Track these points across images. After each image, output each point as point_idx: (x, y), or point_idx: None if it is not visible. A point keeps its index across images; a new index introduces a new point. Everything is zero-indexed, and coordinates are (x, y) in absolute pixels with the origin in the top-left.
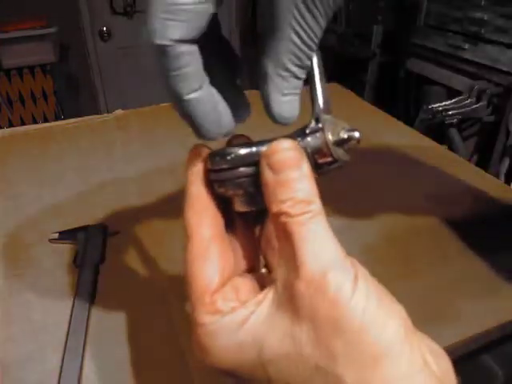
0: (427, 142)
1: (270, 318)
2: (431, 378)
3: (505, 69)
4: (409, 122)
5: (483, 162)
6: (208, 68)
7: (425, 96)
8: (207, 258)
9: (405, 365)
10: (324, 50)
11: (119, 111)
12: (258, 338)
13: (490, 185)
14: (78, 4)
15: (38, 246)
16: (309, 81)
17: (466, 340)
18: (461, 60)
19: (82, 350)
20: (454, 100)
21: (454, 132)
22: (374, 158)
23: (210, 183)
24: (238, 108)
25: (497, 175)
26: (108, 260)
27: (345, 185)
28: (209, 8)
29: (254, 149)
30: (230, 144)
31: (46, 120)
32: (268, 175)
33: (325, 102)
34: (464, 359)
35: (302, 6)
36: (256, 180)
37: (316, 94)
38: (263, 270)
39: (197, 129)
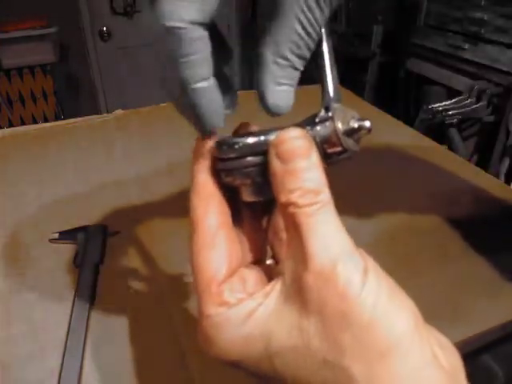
0: (427, 142)
1: (278, 311)
2: (440, 371)
3: (505, 69)
4: (409, 122)
5: (483, 162)
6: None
7: (425, 96)
8: (214, 246)
9: (414, 359)
10: None
11: (119, 111)
12: (265, 331)
13: (490, 185)
14: (78, 4)
15: (38, 246)
16: (319, 69)
17: (466, 340)
18: (461, 60)
19: (81, 350)
20: (453, 100)
21: (453, 132)
22: (374, 158)
23: (217, 172)
24: (229, 98)
25: (497, 175)
26: (108, 260)
27: (344, 185)
28: None
29: (262, 137)
30: (237, 132)
31: (46, 120)
32: (276, 164)
33: (335, 91)
34: (464, 359)
35: None
36: (264, 169)
37: (326, 83)
38: (269, 262)
39: (198, 119)
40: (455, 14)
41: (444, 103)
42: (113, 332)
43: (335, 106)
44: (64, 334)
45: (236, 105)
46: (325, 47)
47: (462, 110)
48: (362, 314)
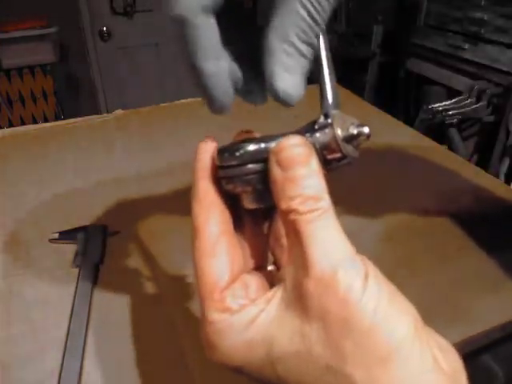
0: (427, 142)
1: (280, 317)
2: (440, 375)
3: (505, 69)
4: (409, 121)
5: (483, 162)
6: (230, 40)
7: (425, 96)
8: (215, 254)
9: (415, 364)
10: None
11: (119, 111)
12: (268, 337)
13: (490, 185)
14: (78, 4)
15: (38, 246)
16: (318, 75)
17: (466, 340)
18: (461, 60)
19: (81, 350)
20: (453, 100)
21: (454, 132)
22: (374, 159)
23: (219, 180)
24: (255, 84)
25: (497, 175)
26: (108, 260)
27: (344, 185)
28: None
29: (262, 145)
30: (237, 139)
31: (46, 120)
32: (276, 172)
33: (334, 98)
34: (464, 359)
35: None
36: (265, 177)
37: (325, 89)
38: (270, 268)
39: (209, 100)
40: (455, 13)
41: (444, 103)
42: (113, 332)
43: (334, 112)
44: (64, 334)
45: (265, 96)
46: (323, 53)
47: (462, 109)
48: (363, 319)
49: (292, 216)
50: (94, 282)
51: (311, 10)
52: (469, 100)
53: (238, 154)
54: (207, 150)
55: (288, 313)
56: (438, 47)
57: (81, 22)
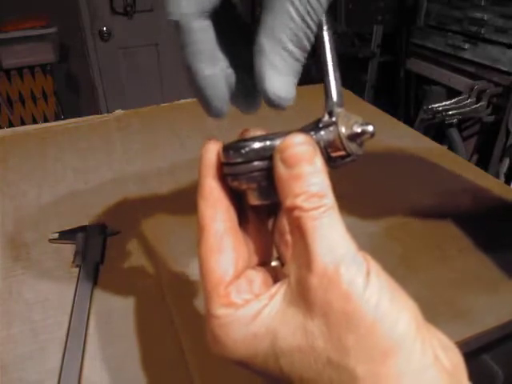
0: (427, 142)
1: (283, 312)
2: (442, 372)
3: (505, 69)
4: (409, 122)
5: (483, 162)
6: (227, 46)
7: (425, 96)
8: (221, 250)
9: (416, 359)
10: None
11: (119, 111)
12: (271, 331)
13: (490, 185)
14: (78, 4)
15: (38, 246)
16: (322, 74)
17: (466, 340)
18: (461, 60)
19: (81, 350)
20: (453, 100)
21: (454, 132)
22: (374, 158)
23: (224, 177)
24: (253, 91)
25: (497, 175)
26: (108, 260)
27: (344, 185)
28: None
29: (267, 142)
30: (243, 137)
31: (46, 120)
32: (281, 169)
33: (338, 96)
34: (464, 359)
35: None
36: (270, 174)
37: (329, 87)
38: (274, 263)
39: (204, 103)
40: (455, 13)
41: (444, 103)
42: (113, 332)
43: (338, 110)
44: (64, 334)
45: (260, 103)
46: (327, 50)
47: (462, 109)
48: (365, 314)
49: (296, 213)
50: (94, 282)
51: (301, 10)
52: (469, 100)
53: (243, 151)
54: (212, 148)
55: (291, 308)
56: (438, 47)
57: (81, 21)
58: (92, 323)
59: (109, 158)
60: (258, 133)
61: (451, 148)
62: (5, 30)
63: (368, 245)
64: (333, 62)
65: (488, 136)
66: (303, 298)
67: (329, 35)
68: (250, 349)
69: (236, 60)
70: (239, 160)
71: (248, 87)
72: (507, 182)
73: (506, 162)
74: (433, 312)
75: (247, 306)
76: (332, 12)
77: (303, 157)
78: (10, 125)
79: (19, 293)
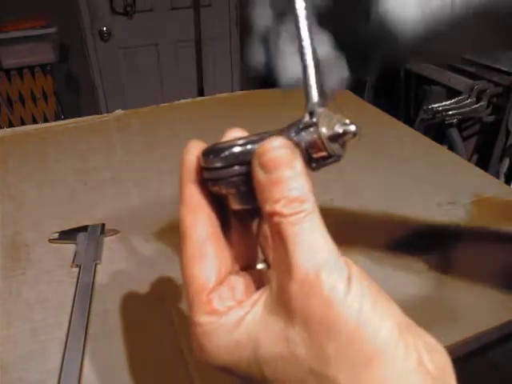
0: (427, 142)
1: (265, 319)
2: (426, 377)
3: (505, 69)
4: (409, 122)
5: (483, 162)
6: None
7: (425, 96)
8: (203, 257)
9: (399, 365)
10: None
11: (119, 111)
12: (253, 339)
13: (490, 185)
14: (78, 4)
15: (37, 246)
16: (302, 72)
17: (466, 340)
18: (461, 60)
19: (82, 350)
20: (454, 100)
21: (453, 132)
22: (374, 158)
23: (204, 181)
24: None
25: (497, 175)
26: (108, 260)
27: (343, 185)
28: None
29: (248, 146)
30: (224, 138)
31: (46, 120)
32: (260, 174)
33: (319, 95)
34: (464, 359)
35: None
36: (250, 178)
37: (309, 87)
38: (260, 266)
39: None
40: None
41: (444, 103)
42: (113, 332)
43: (319, 110)
44: (64, 334)
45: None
46: (306, 46)
47: (462, 109)
48: (347, 320)
49: (276, 219)
50: (94, 281)
51: None
52: (469, 100)
53: (222, 155)
54: (192, 152)
55: (273, 315)
56: None
57: (81, 21)
58: (92, 323)
59: (109, 158)
60: (239, 134)
61: (451, 148)
62: (5, 30)
63: (365, 245)
64: (313, 58)
65: (488, 136)
66: (284, 305)
67: (309, 28)
68: (233, 356)
69: None
70: (219, 165)
71: None
72: (507, 182)
73: (506, 162)
74: (432, 313)
75: (230, 313)
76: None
77: (282, 161)
78: (10, 125)
79: (19, 293)
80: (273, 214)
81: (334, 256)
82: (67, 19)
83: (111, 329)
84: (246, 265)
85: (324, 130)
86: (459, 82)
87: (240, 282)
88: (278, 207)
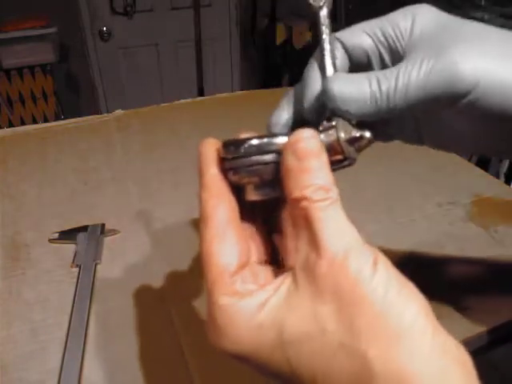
0: None
1: (290, 300)
2: (454, 362)
3: None
4: None
5: (483, 162)
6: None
7: None
8: (225, 239)
9: (428, 344)
10: None
11: (119, 111)
12: (278, 320)
13: (490, 185)
14: (78, 4)
15: (37, 246)
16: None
17: (467, 339)
18: None
19: (82, 350)
20: None
21: None
22: (374, 158)
23: (224, 172)
24: None
25: (497, 175)
26: (108, 260)
27: (343, 185)
28: None
29: (265, 140)
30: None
31: (46, 120)
32: (291, 162)
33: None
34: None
35: None
36: (270, 168)
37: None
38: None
39: None
40: (455, 13)
41: None
42: (113, 332)
43: (337, 119)
44: (64, 334)
45: None
46: (327, 55)
47: None
48: (373, 304)
49: (304, 203)
50: (94, 281)
51: None
52: None
53: (244, 145)
54: (210, 145)
55: (299, 296)
56: None
57: (81, 21)
58: (92, 323)
59: (109, 158)
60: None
61: None
62: (5, 30)
63: (368, 244)
64: (332, 61)
65: None
66: (312, 284)
67: (330, 47)
68: (255, 341)
69: None
70: (240, 154)
71: None
72: (507, 182)
73: (506, 162)
74: (434, 311)
75: (253, 295)
76: (332, 12)
77: (312, 151)
78: (10, 125)
79: (19, 293)
80: (300, 200)
81: (359, 241)
82: (67, 19)
83: (111, 329)
84: (260, 260)
85: (342, 133)
86: None
87: (261, 269)
88: (307, 193)
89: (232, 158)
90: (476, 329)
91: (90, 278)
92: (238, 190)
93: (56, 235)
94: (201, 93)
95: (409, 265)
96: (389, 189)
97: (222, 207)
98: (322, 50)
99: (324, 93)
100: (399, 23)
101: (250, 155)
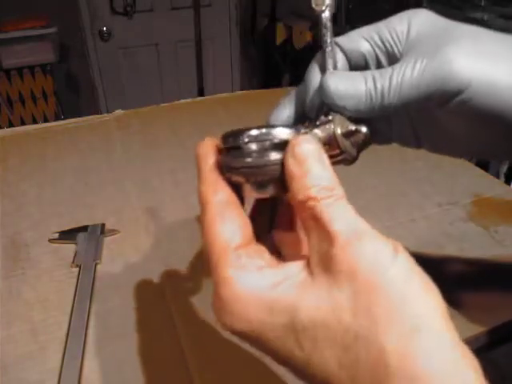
0: None
1: (305, 286)
2: (468, 363)
3: None
4: None
5: (483, 162)
6: None
7: None
8: (224, 218)
9: (447, 339)
10: None
11: (119, 111)
12: (291, 305)
13: (490, 185)
14: (78, 4)
15: (37, 246)
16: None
17: (467, 339)
18: None
19: (81, 350)
20: None
21: None
22: (374, 158)
23: (222, 168)
24: None
25: (497, 175)
26: (107, 260)
27: (344, 185)
28: None
29: (263, 130)
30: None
31: (46, 120)
32: (293, 166)
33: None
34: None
35: None
36: (266, 169)
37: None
38: None
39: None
40: (455, 14)
41: None
42: (113, 331)
43: (334, 114)
44: (64, 334)
45: None
46: (327, 54)
47: None
48: (392, 291)
49: (310, 203)
50: (94, 281)
51: None
52: None
53: (242, 136)
54: (208, 143)
55: (315, 285)
56: None
57: (81, 21)
58: (92, 323)
59: (109, 158)
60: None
61: None
62: (5, 30)
63: None
64: (335, 69)
65: None
66: (328, 271)
67: (331, 49)
68: (265, 321)
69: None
70: (239, 143)
71: None
72: (507, 181)
73: (506, 162)
74: None
75: (262, 273)
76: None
77: (313, 154)
78: (10, 125)
79: (19, 293)
80: (306, 200)
81: (373, 230)
82: (67, 19)
83: (111, 328)
84: None
85: (338, 127)
86: None
87: (265, 250)
88: (312, 193)
89: (230, 147)
90: (476, 329)
91: (90, 277)
92: (236, 189)
93: (56, 235)
94: (201, 93)
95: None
96: (389, 189)
97: (220, 193)
98: (324, 52)
99: (321, 88)
100: (396, 27)
101: (247, 148)
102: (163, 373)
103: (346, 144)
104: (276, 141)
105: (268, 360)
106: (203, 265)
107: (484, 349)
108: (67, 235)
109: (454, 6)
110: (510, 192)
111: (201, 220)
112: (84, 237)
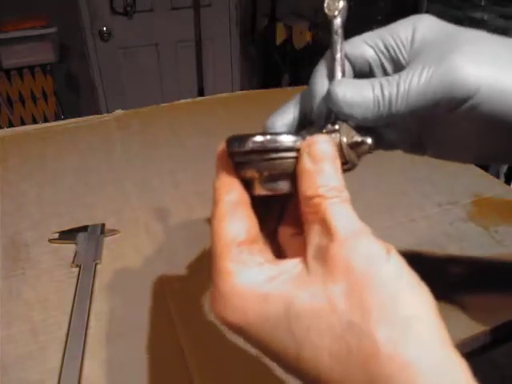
0: None
1: (301, 278)
2: (457, 358)
3: None
4: None
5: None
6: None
7: None
8: (233, 215)
9: (435, 337)
10: (324, 49)
11: (119, 111)
12: (287, 295)
13: (490, 185)
14: (78, 4)
15: (37, 246)
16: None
17: (468, 339)
18: None
19: (81, 350)
20: None
21: None
22: (374, 158)
23: (235, 167)
24: None
25: (497, 175)
26: (107, 260)
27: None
28: None
29: (268, 136)
30: None
31: (46, 120)
32: (307, 163)
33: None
34: (464, 359)
35: None
36: (276, 164)
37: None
38: None
39: None
40: (455, 13)
41: None
42: (113, 331)
43: (341, 123)
44: (64, 334)
45: None
46: (337, 61)
47: None
48: (385, 285)
49: (316, 200)
50: (94, 281)
51: None
52: None
53: (246, 143)
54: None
55: (310, 277)
56: None
57: (81, 21)
58: (92, 323)
59: (109, 158)
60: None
61: None
62: (5, 30)
63: None
64: (343, 75)
65: None
66: (323, 265)
67: (341, 55)
68: (261, 311)
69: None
70: (243, 150)
71: None
72: (507, 181)
73: None
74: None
75: (261, 268)
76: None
77: (327, 154)
78: (10, 125)
79: (19, 293)
80: (314, 197)
81: (371, 233)
82: (67, 19)
83: (111, 329)
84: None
85: (344, 137)
86: None
87: (269, 250)
88: (321, 191)
89: (237, 152)
90: (476, 329)
91: (90, 278)
92: (247, 187)
93: (56, 235)
94: (201, 93)
95: (409, 265)
96: (389, 189)
97: (233, 192)
98: (333, 57)
99: (328, 96)
100: (400, 33)
101: (254, 152)
102: (163, 373)
103: (351, 155)
104: (284, 147)
105: (268, 360)
106: (206, 263)
107: (484, 349)
108: (67, 235)
109: (454, 6)
110: (510, 192)
111: (211, 215)
112: (84, 237)
